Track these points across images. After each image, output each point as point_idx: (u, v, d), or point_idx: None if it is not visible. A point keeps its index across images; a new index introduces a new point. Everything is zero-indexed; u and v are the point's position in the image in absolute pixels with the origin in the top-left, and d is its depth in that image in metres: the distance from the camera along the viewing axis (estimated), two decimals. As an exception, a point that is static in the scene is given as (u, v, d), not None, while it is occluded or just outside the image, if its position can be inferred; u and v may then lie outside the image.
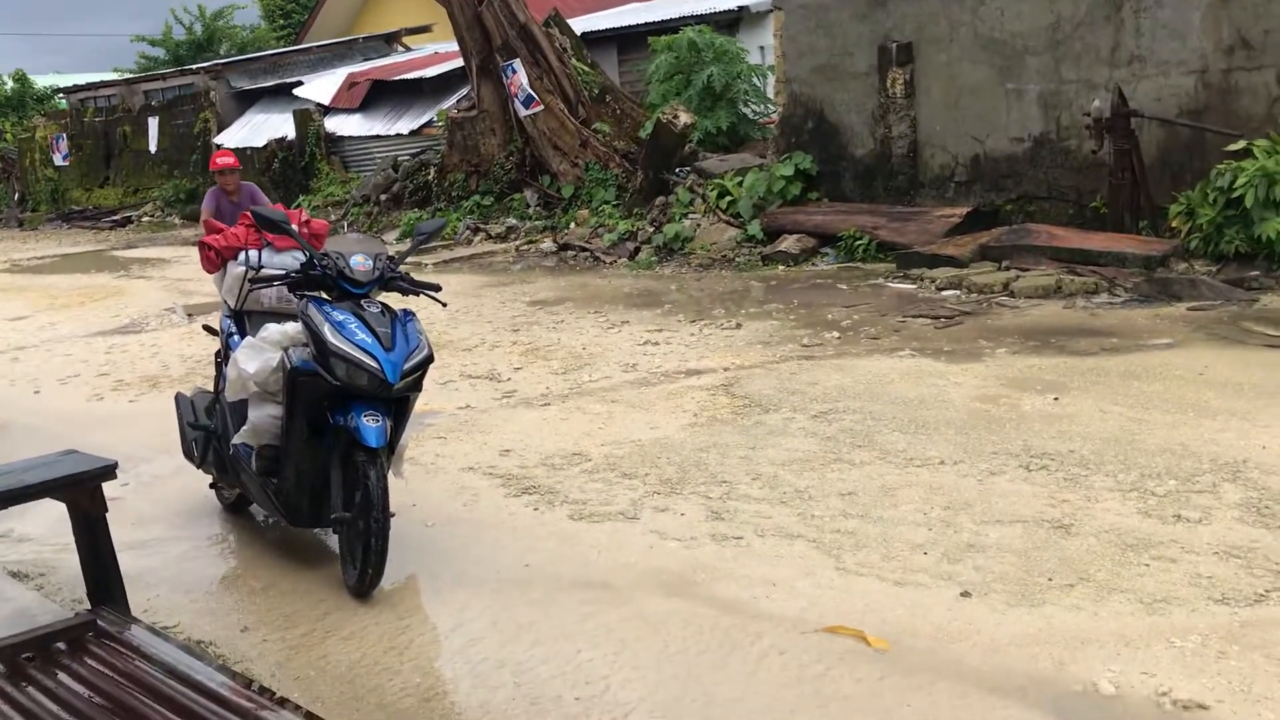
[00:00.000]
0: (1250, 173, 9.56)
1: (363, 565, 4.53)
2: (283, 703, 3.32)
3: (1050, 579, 4.28)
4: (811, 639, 3.95)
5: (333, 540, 5.10)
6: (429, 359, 4.76)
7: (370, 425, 4.50)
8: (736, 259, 13.16)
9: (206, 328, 5.95)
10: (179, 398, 5.87)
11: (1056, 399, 6.56)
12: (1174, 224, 10.47)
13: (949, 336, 8.53)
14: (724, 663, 3.84)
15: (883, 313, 9.62)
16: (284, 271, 5.07)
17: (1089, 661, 3.67)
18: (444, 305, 5.38)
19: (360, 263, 4.74)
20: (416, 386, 4.76)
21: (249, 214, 5.20)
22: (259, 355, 4.82)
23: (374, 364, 4.51)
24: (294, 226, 5.00)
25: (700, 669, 3.80)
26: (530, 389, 8.12)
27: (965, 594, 4.22)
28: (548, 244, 15.39)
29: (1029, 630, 3.92)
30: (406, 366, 4.60)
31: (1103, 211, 11.35)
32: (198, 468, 5.61)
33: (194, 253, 8.78)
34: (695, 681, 3.72)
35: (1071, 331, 8.36)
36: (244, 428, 4.91)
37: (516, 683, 3.81)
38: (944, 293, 10.24)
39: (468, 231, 16.77)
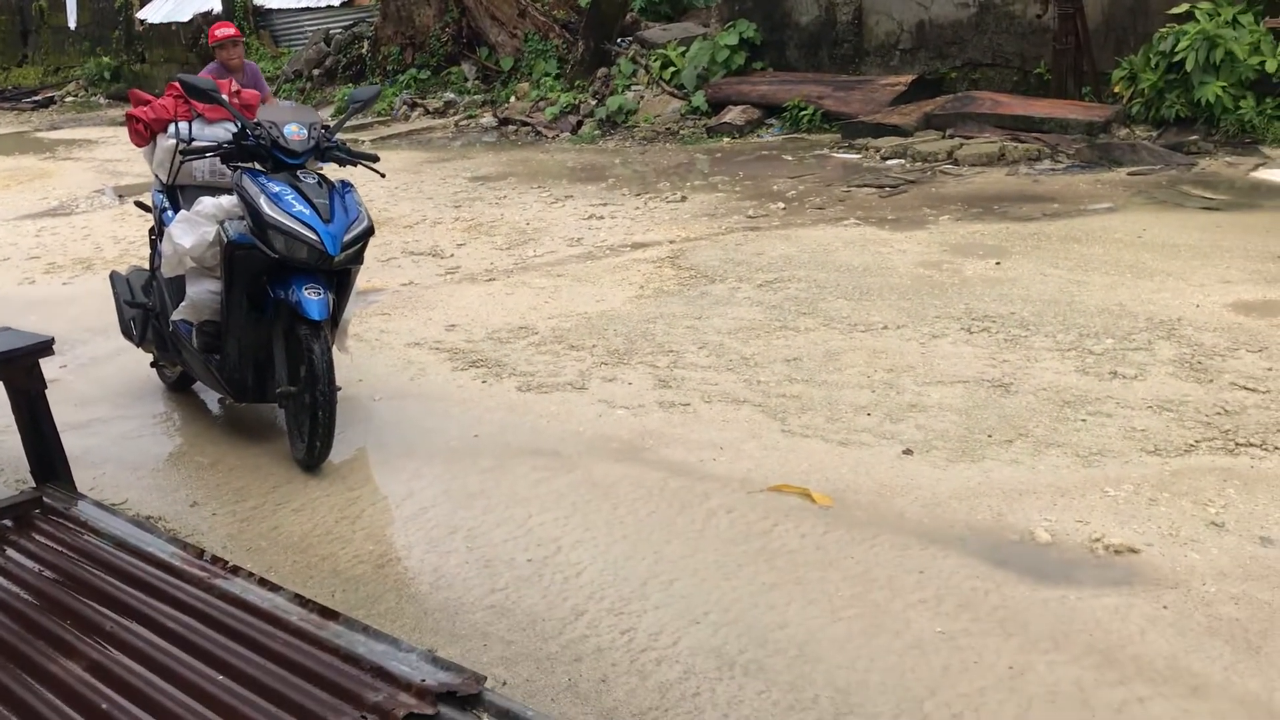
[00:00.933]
0: (1191, 36, 9.56)
1: (311, 438, 4.52)
2: (235, 570, 3.34)
3: (990, 435, 4.38)
4: (758, 498, 4.03)
5: (280, 415, 5.07)
6: (369, 230, 4.68)
7: (312, 298, 4.44)
8: (681, 131, 13.00)
9: (138, 203, 5.78)
10: (114, 276, 5.74)
11: (998, 263, 6.63)
12: (1116, 89, 10.49)
13: (893, 205, 8.54)
14: (672, 523, 3.91)
15: (828, 183, 9.59)
16: (216, 143, 4.92)
17: (1026, 512, 3.79)
18: (382, 176, 5.27)
19: (294, 132, 4.61)
20: (358, 259, 4.68)
21: (176, 83, 5.01)
22: (194, 229, 4.71)
23: (313, 236, 4.42)
24: (224, 96, 4.84)
25: (649, 529, 3.87)
26: (474, 265, 8.04)
27: (907, 452, 4.31)
28: (488, 119, 15.09)
29: (968, 484, 4.02)
30: (346, 238, 4.52)
31: (1047, 78, 11.33)
32: (138, 346, 5.52)
33: (122, 134, 8.39)
34: (644, 541, 3.79)
35: (1014, 198, 8.41)
36: (182, 304, 4.82)
37: (469, 547, 3.86)
38: (889, 162, 10.23)
39: (405, 107, 16.38)
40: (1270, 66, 9.42)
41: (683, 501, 4.05)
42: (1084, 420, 4.43)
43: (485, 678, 2.75)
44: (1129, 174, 8.88)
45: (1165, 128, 9.95)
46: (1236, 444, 4.13)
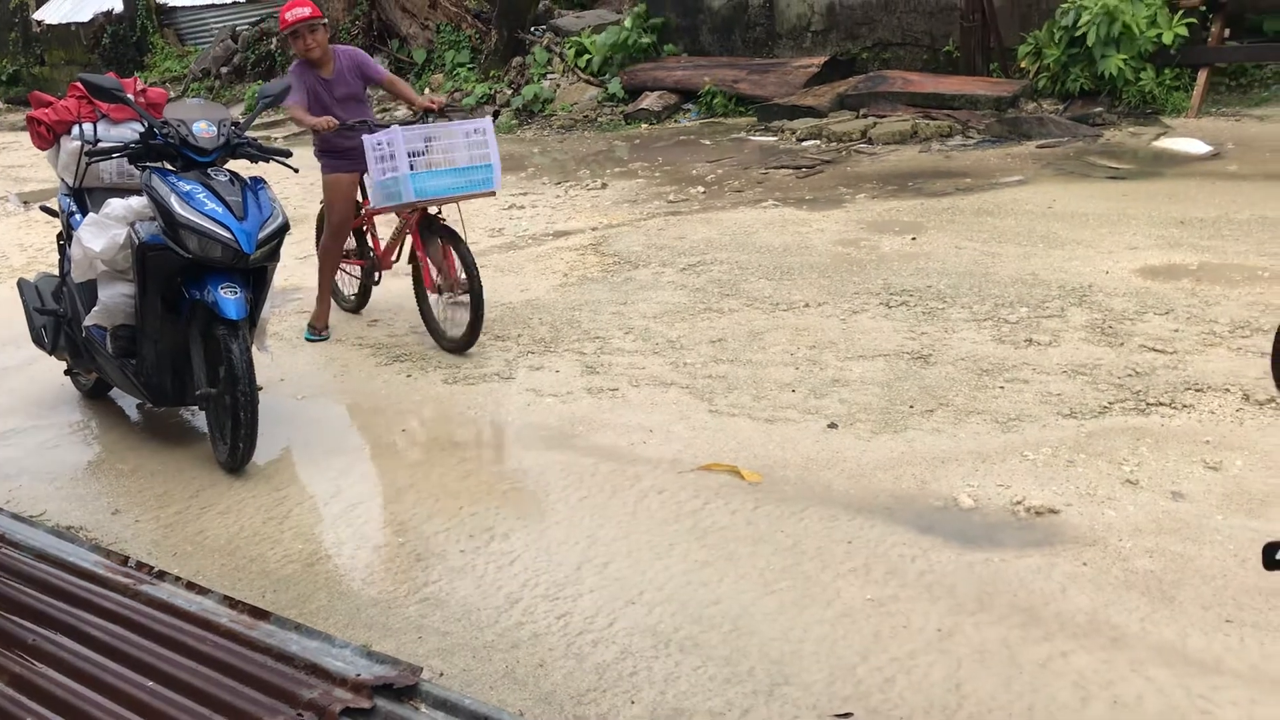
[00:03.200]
0: (1092, 11, 9.78)
1: (233, 440, 4.45)
2: (161, 575, 3.28)
3: (911, 406, 4.46)
4: (688, 478, 4.06)
5: (200, 419, 4.99)
6: (284, 227, 4.62)
7: (228, 298, 4.37)
8: (599, 119, 12.99)
9: (44, 208, 5.62)
10: (22, 284, 5.58)
11: (914, 239, 6.74)
12: (1023, 64, 10.71)
13: (810, 185, 8.64)
14: (605, 506, 3.93)
15: (746, 166, 9.66)
16: (123, 144, 4.81)
17: (949, 479, 3.87)
18: (295, 171, 5.19)
19: (204, 129, 4.53)
20: (274, 256, 4.62)
21: (79, 84, 4.89)
22: (104, 232, 4.60)
23: (227, 234, 4.35)
24: (129, 95, 4.73)
25: (581, 514, 3.88)
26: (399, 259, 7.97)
27: (832, 425, 4.37)
28: (402, 112, 14.90)
29: (892, 455, 4.10)
30: (261, 235, 4.46)
31: (955, 55, 11.52)
32: (50, 354, 5.38)
33: (24, 138, 8.12)
34: (577, 526, 3.80)
35: (927, 174, 8.55)
36: (95, 309, 4.71)
37: (400, 541, 3.84)
38: (805, 143, 10.33)
39: (318, 103, 16.13)
40: (1167, 39, 9.69)
41: (614, 485, 4.07)
42: (1002, 388, 4.54)
43: (421, 669, 2.74)
44: (1038, 147, 9.08)
45: (1071, 101, 10.18)
46: (1147, 404, 4.26)
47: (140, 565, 3.36)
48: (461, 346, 5.60)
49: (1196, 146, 8.45)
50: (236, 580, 3.66)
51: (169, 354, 4.64)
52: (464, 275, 5.48)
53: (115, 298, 4.66)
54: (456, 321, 5.67)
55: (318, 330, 6.19)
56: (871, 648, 3.00)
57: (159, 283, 4.50)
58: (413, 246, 5.79)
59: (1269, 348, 4.59)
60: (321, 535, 4.00)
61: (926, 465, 3.99)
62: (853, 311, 5.59)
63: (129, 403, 5.41)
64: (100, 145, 4.87)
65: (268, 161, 4.83)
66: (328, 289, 6.26)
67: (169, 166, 4.56)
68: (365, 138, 5.51)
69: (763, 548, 3.55)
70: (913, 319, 5.38)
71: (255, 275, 4.58)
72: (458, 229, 5.59)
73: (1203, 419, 4.10)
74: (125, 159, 4.73)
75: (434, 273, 5.71)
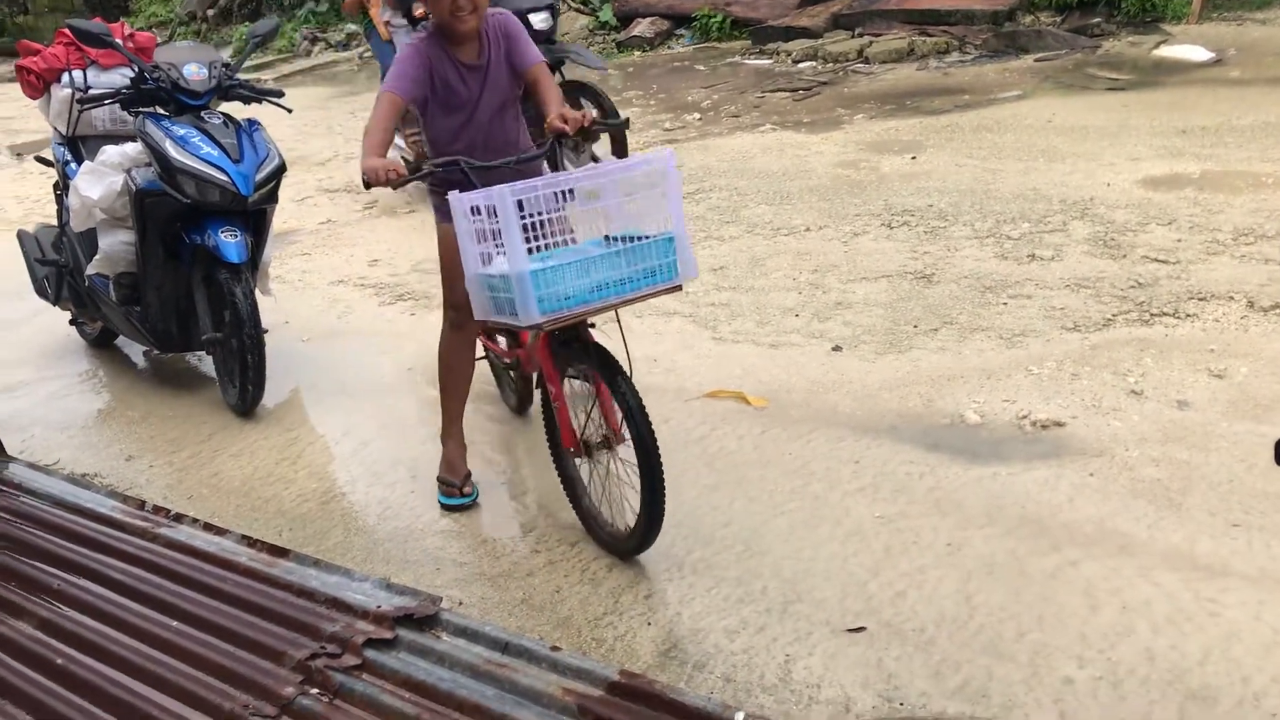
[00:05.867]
0: (1090, -82, 9.60)
1: (242, 382, 4.48)
2: (179, 518, 3.33)
3: (915, 326, 4.47)
4: (694, 405, 4.08)
5: (207, 364, 5.01)
6: (281, 168, 4.60)
7: (229, 241, 4.37)
8: (591, 47, 12.83)
9: (39, 159, 5.59)
10: (22, 235, 5.58)
11: (914, 158, 6.69)
12: (1019, -24, 10.53)
13: (807, 108, 8.56)
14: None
15: (741, 90, 9.56)
16: (114, 90, 4.77)
17: (955, 396, 3.89)
18: (289, 111, 5.13)
19: (194, 72, 4.49)
20: (272, 198, 4.60)
21: (66, 30, 4.83)
22: (101, 180, 4.59)
23: (224, 177, 4.34)
24: (118, 40, 4.68)
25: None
26: (392, 198, 7.92)
27: (836, 348, 4.38)
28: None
29: (897, 374, 4.12)
30: (259, 177, 4.44)
31: (951, -31, 11.31)
32: (54, 305, 5.39)
33: (14, 89, 8.02)
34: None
35: (925, 92, 8.47)
36: (96, 258, 4.71)
37: (414, 477, 3.87)
38: (800, 65, 10.21)
39: (306, 42, 15.93)
40: (1167, -57, 9.53)
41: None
42: (1005, 304, 4.54)
43: (441, 598, 2.79)
44: (1036, 60, 8.98)
45: (1068, 12, 10.03)
46: (1151, 314, 4.26)
47: (157, 509, 3.41)
48: (633, 545, 3.15)
49: (1198, 53, 8.35)
50: (253, 520, 3.70)
51: (173, 300, 4.65)
52: (626, 426, 3.08)
53: (116, 245, 4.65)
54: (618, 500, 3.24)
55: (454, 484, 3.66)
56: (882, 564, 3.04)
57: (158, 228, 4.49)
58: (540, 379, 3.33)
59: (1274, 254, 4.59)
60: (335, 473, 4.04)
61: (932, 384, 4.00)
62: (854, 234, 5.58)
63: (135, 350, 5.43)
64: (91, 93, 4.83)
65: (260, 103, 4.79)
66: (454, 415, 3.73)
67: (161, 111, 4.53)
68: (452, 197, 2.95)
69: (771, 470, 3.58)
70: (914, 239, 5.37)
71: (254, 218, 4.57)
72: (611, 344, 3.19)
73: (1207, 327, 4.11)
74: (117, 105, 4.70)
75: (578, 421, 3.30)
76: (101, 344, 5.53)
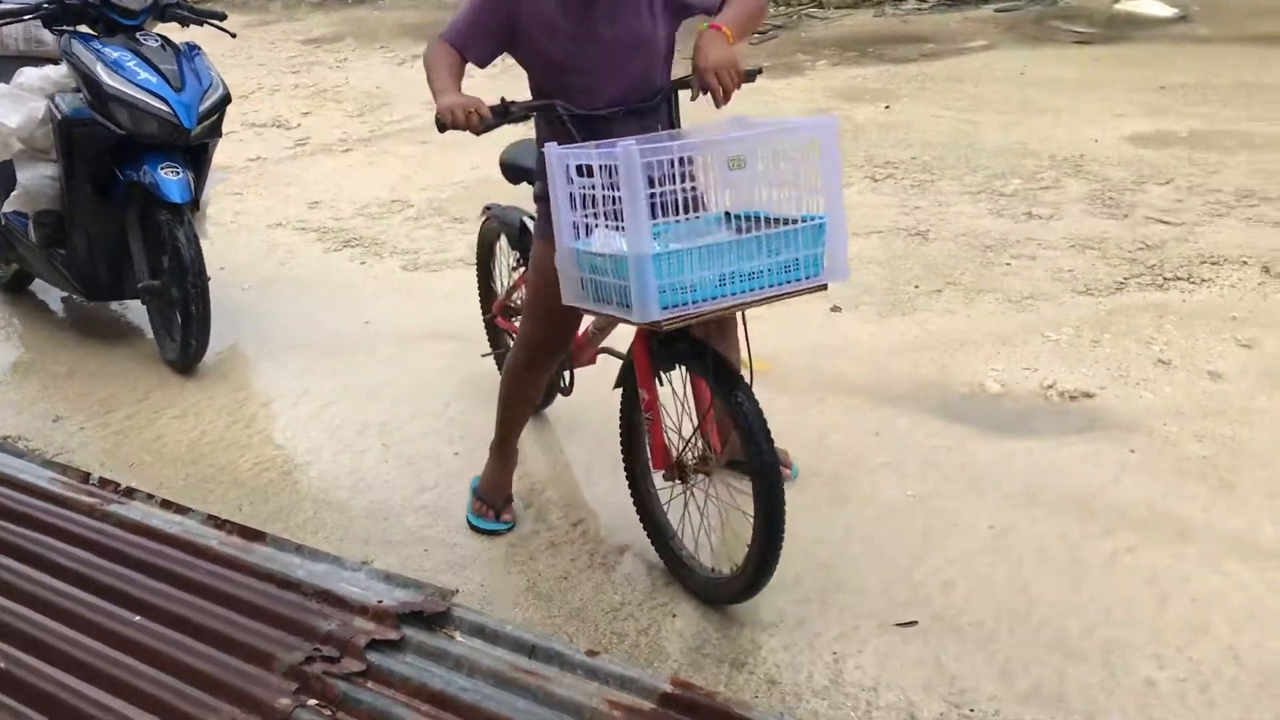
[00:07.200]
0: None
1: (184, 335, 4.05)
2: (130, 493, 2.94)
3: (917, 286, 4.22)
4: (691, 368, 3.78)
5: (136, 313, 4.55)
6: (226, 99, 4.17)
7: (170, 178, 3.92)
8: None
9: (-59, 81, 5.02)
10: (-79, 166, 5.01)
11: (888, 107, 6.43)
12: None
13: (765, 51, 8.24)
14: (605, 402, 3.61)
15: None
16: (33, 4, 4.24)
17: (970, 363, 3.65)
18: (233, 36, 4.70)
19: (129, -14, 4.01)
20: (215, 131, 4.18)
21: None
22: (19, 106, 4.10)
23: (164, 108, 3.90)
24: (34, -54, 4.16)
25: (574, 411, 3.58)
26: (326, 134, 7.46)
27: (835, 309, 4.12)
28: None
29: (906, 338, 3.86)
30: (202, 108, 4.02)
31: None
32: (-40, 245, 4.86)
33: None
34: (582, 426, 3.51)
35: (887, 39, 8.21)
36: (14, 194, 4.23)
37: (385, 444, 3.52)
38: (751, 8, 9.88)
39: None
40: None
41: (609, 378, 3.77)
42: (1009, 264, 4.31)
43: (454, 592, 2.45)
44: (996, 10, 8.78)
45: (1023, -37, 9.85)
46: (1164, 278, 4.07)
47: (105, 482, 3.00)
48: (737, 589, 2.56)
49: (1159, 9, 8.21)
50: (208, 493, 3.31)
51: (103, 242, 4.19)
52: (745, 445, 2.47)
53: (37, 180, 4.17)
54: (719, 536, 2.81)
55: (490, 507, 3.05)
56: (923, 549, 2.79)
57: (87, 163, 4.03)
58: (627, 375, 2.77)
59: (1280, 217, 4.43)
60: (295, 440, 3.65)
61: (944, 349, 3.76)
62: (836, 185, 5.30)
63: (53, 295, 4.93)
64: (5, 6, 4.29)
65: (201, 25, 4.33)
66: (512, 431, 3.08)
67: (89, 31, 4.05)
68: (548, 149, 2.39)
69: (786, 443, 3.27)
70: (902, 193, 5.11)
71: (195, 153, 4.13)
72: (729, 345, 2.80)
73: (1224, 293, 3.93)
74: (36, 21, 4.18)
75: (672, 437, 2.70)
76: (14, 289, 5.01)
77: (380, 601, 2.40)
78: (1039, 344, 3.71)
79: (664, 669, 2.43)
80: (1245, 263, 4.11)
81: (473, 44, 2.60)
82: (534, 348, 2.88)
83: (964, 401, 3.45)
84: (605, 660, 2.21)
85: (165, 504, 2.87)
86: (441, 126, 2.47)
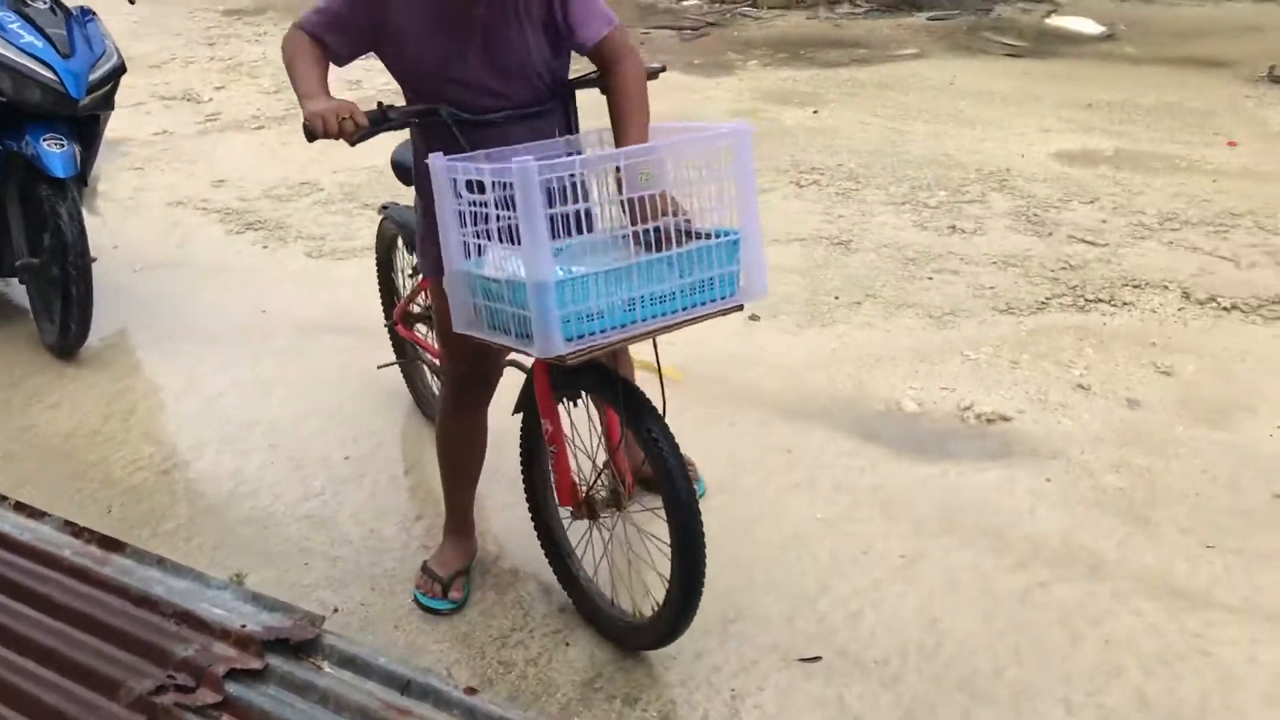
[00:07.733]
0: (987, -123, 9.39)
1: (64, 319, 3.80)
2: (-19, 495, 2.69)
3: (837, 298, 4.11)
4: (601, 374, 3.62)
5: (16, 292, 4.28)
6: (120, 68, 3.93)
7: (53, 151, 3.67)
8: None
9: None
10: None
11: (816, 111, 6.34)
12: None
13: (696, 50, 8.11)
14: (504, 408, 3.46)
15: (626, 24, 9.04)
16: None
17: (888, 380, 3.55)
18: (132, 3, 4.42)
19: (14, -58, 3.75)
20: (107, 103, 3.93)
21: None
22: (-113, 65, 3.80)
23: (49, 75, 3.65)
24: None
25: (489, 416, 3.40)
26: (238, 110, 7.17)
27: (753, 317, 3.99)
28: None
29: (823, 351, 3.75)
30: (92, 78, 3.77)
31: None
32: None
33: None
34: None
35: (819, 42, 8.12)
36: (-120, 160, 3.92)
37: (272, 445, 3.31)
38: (685, 3, 9.73)
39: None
40: (1058, -88, 9.40)
41: (515, 384, 3.60)
42: (930, 278, 4.23)
43: (323, 618, 2.25)
44: (928, 19, 8.75)
45: (958, -27, 9.86)
46: (1086, 300, 4.01)
47: (-48, 480, 2.76)
48: (658, 634, 2.37)
49: (1088, 26, 8.24)
50: (76, 492, 3.09)
51: (-22, 216, 3.92)
52: (661, 484, 2.29)
53: (-94, 146, 3.88)
54: (634, 574, 2.56)
55: (440, 580, 2.64)
56: (831, 576, 2.67)
57: (-38, 131, 3.75)
58: (527, 402, 2.56)
59: (1201, 243, 4.42)
60: (176, 435, 3.43)
61: (861, 364, 3.65)
62: (761, 189, 5.16)
63: (-73, 270, 4.61)
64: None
65: (96, -12, 4.07)
66: (463, 507, 2.74)
67: (-32, -12, 3.78)
68: (433, 160, 2.11)
69: (694, 456, 3.15)
70: (826, 200, 5.00)
71: (84, 125, 3.87)
72: (620, 362, 2.70)
73: (1145, 318, 3.88)
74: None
75: (579, 470, 2.51)
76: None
77: (244, 626, 2.20)
78: (958, 363, 3.62)
79: (551, 705, 2.28)
80: (1166, 287, 4.07)
81: (332, 40, 2.27)
82: (459, 380, 2.59)
83: (879, 420, 3.34)
84: (484, 700, 2.03)
85: (19, 506, 2.64)
86: (311, 135, 2.11)
